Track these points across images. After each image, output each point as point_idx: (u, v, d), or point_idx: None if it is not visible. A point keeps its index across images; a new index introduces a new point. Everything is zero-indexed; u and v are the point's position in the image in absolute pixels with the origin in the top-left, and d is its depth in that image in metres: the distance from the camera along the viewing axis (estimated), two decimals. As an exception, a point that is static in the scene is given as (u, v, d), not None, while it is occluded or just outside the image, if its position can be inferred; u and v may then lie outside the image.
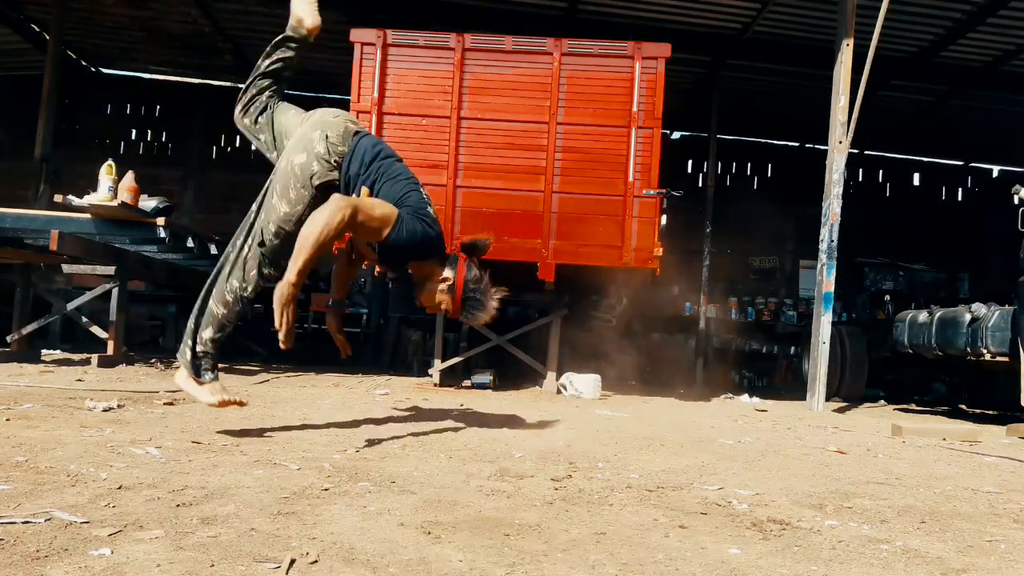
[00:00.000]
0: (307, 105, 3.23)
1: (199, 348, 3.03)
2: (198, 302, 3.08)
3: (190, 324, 3.06)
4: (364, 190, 3.01)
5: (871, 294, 10.39)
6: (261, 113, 3.20)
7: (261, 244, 3.01)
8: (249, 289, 3.03)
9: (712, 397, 7.35)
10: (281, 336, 2.74)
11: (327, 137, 3.02)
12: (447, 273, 3.04)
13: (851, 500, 2.40)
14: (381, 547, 1.64)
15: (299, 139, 3.05)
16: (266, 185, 3.08)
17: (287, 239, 2.94)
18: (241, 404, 3.15)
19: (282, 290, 2.73)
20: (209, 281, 3.09)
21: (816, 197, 6.44)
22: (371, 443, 3.03)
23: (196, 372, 3.03)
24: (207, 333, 3.04)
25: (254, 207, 3.08)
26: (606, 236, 6.03)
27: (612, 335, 7.94)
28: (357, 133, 3.13)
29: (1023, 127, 11.04)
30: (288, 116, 3.18)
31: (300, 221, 2.89)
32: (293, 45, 3.19)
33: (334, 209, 2.73)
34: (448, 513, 1.97)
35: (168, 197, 6.64)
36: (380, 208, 2.88)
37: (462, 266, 3.04)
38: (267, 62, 3.20)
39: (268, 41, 3.24)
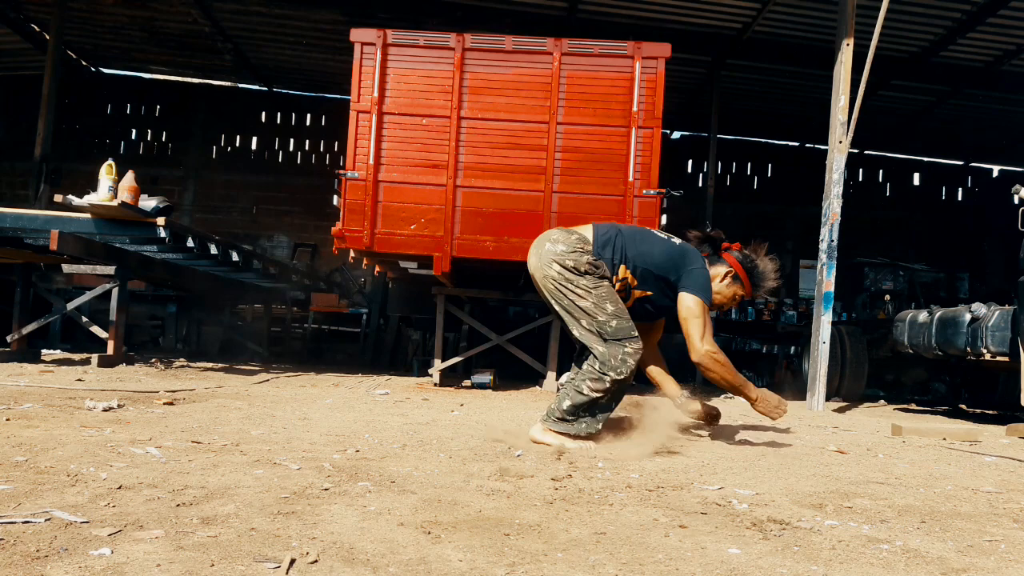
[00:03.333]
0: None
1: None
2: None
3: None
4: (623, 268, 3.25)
5: (871, 294, 10.37)
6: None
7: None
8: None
9: (712, 396, 7.34)
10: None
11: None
12: (720, 269, 3.26)
13: (851, 500, 2.40)
14: (381, 547, 1.64)
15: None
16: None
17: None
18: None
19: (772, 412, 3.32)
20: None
21: (816, 197, 6.44)
22: (371, 443, 3.03)
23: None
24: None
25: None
26: (606, 236, 6.01)
27: None
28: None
29: (1023, 127, 11.04)
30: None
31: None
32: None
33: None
34: (448, 513, 1.97)
35: (168, 197, 6.65)
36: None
37: (728, 256, 3.30)
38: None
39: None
